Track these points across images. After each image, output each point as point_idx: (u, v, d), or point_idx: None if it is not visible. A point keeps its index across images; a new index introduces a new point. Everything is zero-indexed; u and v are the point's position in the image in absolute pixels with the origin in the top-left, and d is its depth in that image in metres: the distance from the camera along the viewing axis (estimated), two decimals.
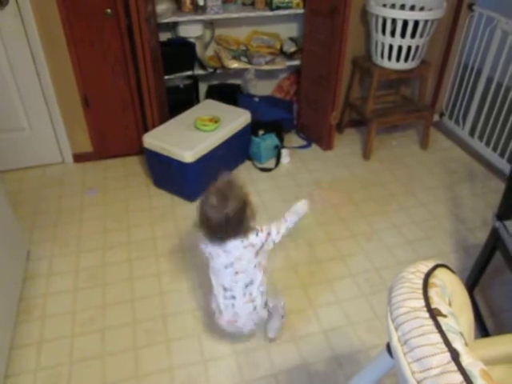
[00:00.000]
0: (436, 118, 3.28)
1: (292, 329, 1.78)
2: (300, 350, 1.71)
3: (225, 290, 1.46)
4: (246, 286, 1.43)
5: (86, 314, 1.84)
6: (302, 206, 1.59)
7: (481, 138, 2.91)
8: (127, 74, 2.56)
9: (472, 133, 2.99)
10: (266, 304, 1.50)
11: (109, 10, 2.34)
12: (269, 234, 1.45)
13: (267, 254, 1.49)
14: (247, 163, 2.82)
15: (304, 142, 3.05)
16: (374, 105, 2.85)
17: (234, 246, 1.38)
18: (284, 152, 2.84)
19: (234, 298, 1.46)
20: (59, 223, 2.34)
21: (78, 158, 2.82)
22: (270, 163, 2.82)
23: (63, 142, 2.73)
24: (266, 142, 2.75)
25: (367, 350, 1.71)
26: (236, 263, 1.39)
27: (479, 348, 1.06)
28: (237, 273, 1.41)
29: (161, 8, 2.47)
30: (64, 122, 2.66)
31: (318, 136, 2.98)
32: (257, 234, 1.41)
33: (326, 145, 2.96)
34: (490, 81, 2.79)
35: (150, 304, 1.89)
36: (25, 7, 2.25)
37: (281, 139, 2.86)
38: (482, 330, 1.73)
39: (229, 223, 1.32)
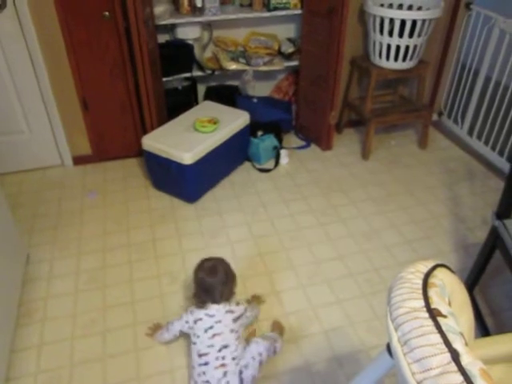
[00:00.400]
0: (434, 117, 3.29)
1: (293, 329, 1.78)
2: (301, 350, 1.71)
3: (199, 356, 1.50)
4: (220, 350, 1.49)
5: (87, 317, 1.84)
6: (256, 309, 1.80)
7: (479, 136, 2.92)
8: (125, 77, 2.57)
9: (471, 132, 3.00)
10: (240, 372, 1.50)
11: (107, 13, 2.34)
12: (246, 309, 1.64)
13: (243, 327, 1.65)
14: (246, 164, 2.83)
15: (303, 143, 3.05)
16: (373, 104, 2.85)
17: (217, 309, 1.56)
18: (283, 153, 2.84)
19: (206, 364, 1.48)
20: (59, 226, 2.34)
21: (78, 160, 2.82)
22: (269, 164, 2.83)
23: (62, 145, 2.73)
24: (264, 142, 2.76)
25: (367, 350, 1.71)
26: (215, 326, 1.53)
27: (479, 347, 1.06)
28: (214, 335, 1.51)
29: (159, 10, 2.47)
30: (63, 124, 2.66)
31: (317, 136, 2.98)
32: (237, 304, 1.62)
33: (325, 145, 2.96)
34: (488, 80, 2.79)
35: (150, 306, 1.89)
36: (23, 10, 2.25)
37: (280, 140, 2.86)
38: (483, 329, 1.74)
39: (218, 285, 1.56)
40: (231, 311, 1.57)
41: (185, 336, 1.73)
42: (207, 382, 1.47)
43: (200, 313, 1.56)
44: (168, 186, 2.53)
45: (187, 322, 1.58)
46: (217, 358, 1.48)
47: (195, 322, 1.56)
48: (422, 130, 3.00)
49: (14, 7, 2.25)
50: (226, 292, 1.58)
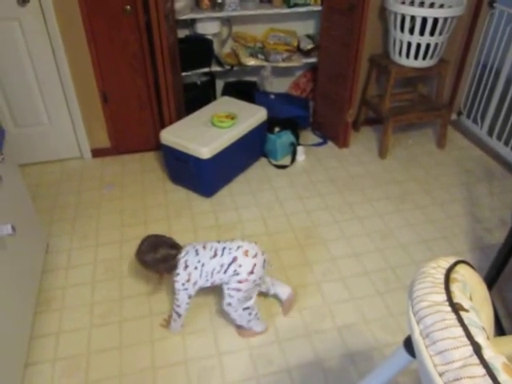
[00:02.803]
0: (453, 116, 3.25)
1: (306, 324, 1.79)
2: (314, 346, 1.71)
3: (222, 255, 1.62)
4: (219, 242, 1.70)
5: (104, 306, 1.87)
6: None
7: (499, 137, 2.88)
8: (145, 71, 2.59)
9: (490, 132, 2.96)
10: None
11: (128, 7, 2.37)
12: None
13: None
14: (263, 160, 2.83)
15: (320, 140, 3.05)
16: (391, 103, 2.83)
17: (183, 248, 1.69)
18: (300, 149, 2.84)
19: (230, 249, 1.63)
20: (78, 217, 2.38)
21: (96, 152, 2.86)
22: (286, 160, 2.83)
23: (82, 137, 2.77)
24: (281, 139, 2.76)
25: (381, 348, 1.71)
26: (197, 246, 1.69)
27: (496, 345, 1.05)
28: (203, 247, 1.67)
29: (179, 5, 2.49)
30: (83, 117, 2.70)
31: (334, 134, 2.98)
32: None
33: (342, 142, 2.95)
34: (509, 80, 2.75)
35: (166, 297, 1.91)
36: (46, 4, 2.29)
37: (296, 136, 2.86)
38: (499, 330, 1.72)
39: (166, 246, 1.68)
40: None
41: (199, 329, 1.75)
42: (247, 250, 1.61)
43: (181, 265, 1.63)
44: (185, 180, 2.55)
45: (183, 283, 1.62)
46: (224, 248, 1.64)
47: (185, 268, 1.63)
48: (440, 129, 2.97)
49: (38, 1, 2.28)
50: (173, 242, 1.71)
